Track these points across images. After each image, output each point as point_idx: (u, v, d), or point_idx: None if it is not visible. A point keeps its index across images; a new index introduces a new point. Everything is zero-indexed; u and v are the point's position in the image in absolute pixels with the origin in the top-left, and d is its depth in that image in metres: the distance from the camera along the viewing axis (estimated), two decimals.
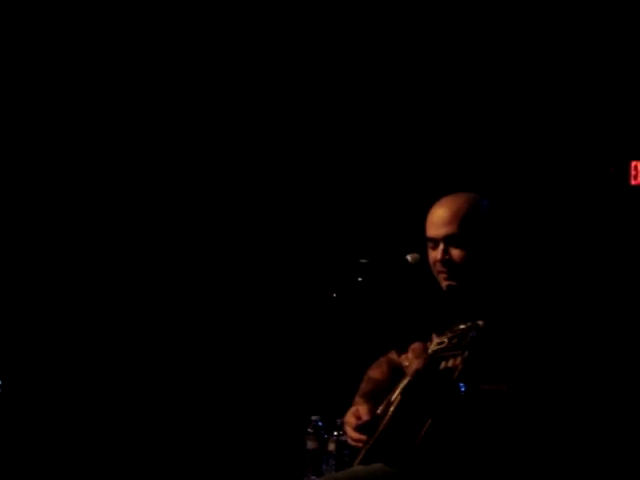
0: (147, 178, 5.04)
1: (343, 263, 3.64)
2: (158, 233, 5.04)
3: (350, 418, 3.32)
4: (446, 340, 2.94)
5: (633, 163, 4.73)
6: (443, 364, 2.93)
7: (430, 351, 2.98)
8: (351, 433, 3.30)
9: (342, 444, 3.70)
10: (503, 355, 3.06)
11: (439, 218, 3.23)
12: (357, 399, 3.42)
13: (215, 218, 5.05)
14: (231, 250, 5.06)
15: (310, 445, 3.94)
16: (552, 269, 4.48)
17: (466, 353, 2.88)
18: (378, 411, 3.31)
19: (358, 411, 3.31)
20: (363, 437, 3.25)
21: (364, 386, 3.49)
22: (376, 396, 3.37)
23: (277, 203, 5.06)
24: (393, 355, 3.52)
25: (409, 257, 3.41)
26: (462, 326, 2.91)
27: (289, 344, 4.90)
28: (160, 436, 4.91)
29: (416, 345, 3.05)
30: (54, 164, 5.02)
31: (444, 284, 3.25)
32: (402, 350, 3.38)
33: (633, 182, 4.72)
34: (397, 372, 3.38)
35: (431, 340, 3.07)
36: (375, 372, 3.52)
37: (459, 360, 2.90)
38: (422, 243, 3.33)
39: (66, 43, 4.96)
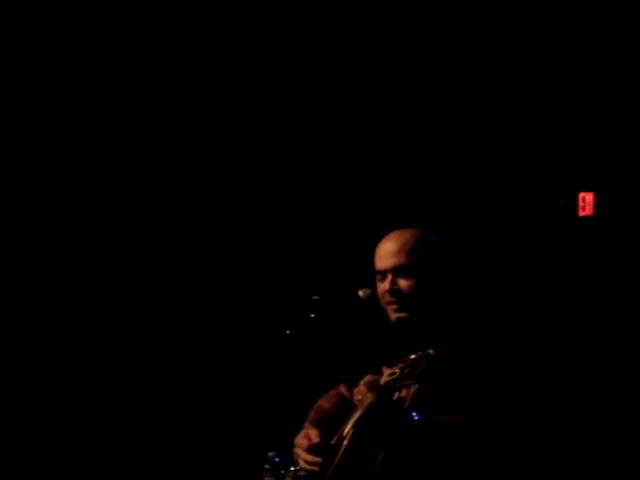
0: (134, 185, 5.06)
1: (295, 300, 3.67)
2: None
3: (301, 440, 3.36)
4: (398, 371, 2.96)
5: (581, 194, 4.80)
6: (396, 394, 2.97)
7: (382, 382, 3.01)
8: (304, 455, 3.34)
9: (299, 479, 3.71)
10: (456, 385, 3.10)
11: (387, 251, 3.30)
12: (306, 424, 3.46)
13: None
14: (189, 285, 5.08)
15: None
16: (500, 299, 4.52)
17: (418, 383, 2.92)
18: (332, 442, 3.34)
19: (308, 434, 3.35)
20: (316, 459, 3.29)
21: (313, 414, 3.52)
22: (324, 424, 3.41)
23: (232, 237, 5.08)
24: (342, 389, 3.55)
25: (360, 292, 3.44)
26: (413, 356, 2.94)
27: (243, 380, 4.91)
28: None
29: (368, 377, 3.08)
30: (54, 164, 5.03)
31: (393, 316, 3.30)
32: (352, 384, 3.41)
33: (581, 213, 4.79)
34: (346, 405, 3.40)
35: (382, 372, 3.10)
36: (324, 402, 3.56)
37: (412, 390, 2.93)
38: (373, 278, 3.38)
39: (66, 43, 4.98)
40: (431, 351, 2.93)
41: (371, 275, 3.38)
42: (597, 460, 4.46)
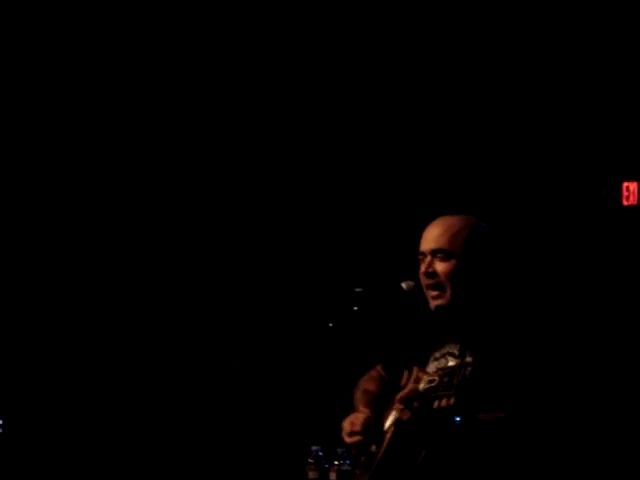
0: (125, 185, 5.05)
1: (338, 292, 3.64)
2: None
3: (346, 424, 3.37)
4: (437, 378, 2.95)
5: (625, 184, 4.74)
6: (436, 403, 2.94)
7: (421, 389, 2.99)
8: (345, 438, 3.37)
9: (343, 473, 3.69)
10: (497, 383, 3.07)
11: (430, 233, 3.30)
12: (357, 406, 3.46)
13: (207, 242, 5.06)
14: (227, 278, 5.07)
15: (311, 475, 3.92)
16: (545, 292, 4.48)
17: (456, 395, 2.89)
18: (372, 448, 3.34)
19: (357, 418, 3.35)
20: (355, 439, 3.30)
21: (360, 396, 3.52)
22: (374, 405, 3.40)
23: (271, 231, 5.07)
24: (380, 369, 3.56)
25: (404, 284, 3.41)
26: (451, 363, 2.92)
27: (288, 374, 4.89)
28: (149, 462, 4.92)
29: (407, 387, 3.08)
30: (54, 164, 5.05)
31: (431, 303, 3.28)
32: (389, 366, 3.41)
33: (625, 203, 4.73)
34: (385, 386, 3.44)
35: (414, 374, 3.08)
36: (368, 385, 3.56)
37: (452, 400, 2.90)
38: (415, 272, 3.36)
39: (66, 43, 4.99)
40: (469, 359, 2.89)
41: (415, 266, 3.36)
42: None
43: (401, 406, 3.00)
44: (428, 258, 3.26)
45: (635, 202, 4.73)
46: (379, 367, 3.58)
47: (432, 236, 3.27)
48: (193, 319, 5.04)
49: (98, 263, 5.05)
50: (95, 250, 5.06)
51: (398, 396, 3.03)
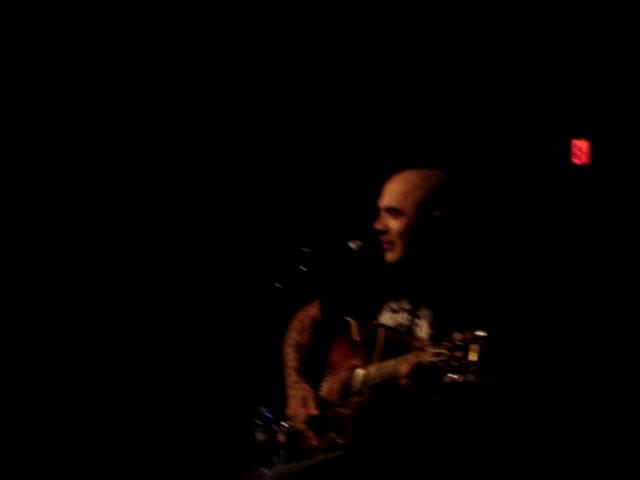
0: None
1: (286, 252, 3.60)
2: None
3: (299, 410, 3.30)
4: (445, 351, 2.85)
5: (575, 142, 4.73)
6: (448, 377, 2.85)
7: (427, 362, 2.90)
8: (302, 426, 3.29)
9: (292, 435, 3.67)
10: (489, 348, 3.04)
11: (387, 189, 3.29)
12: (291, 375, 3.41)
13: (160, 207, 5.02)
14: (175, 241, 5.03)
15: (259, 437, 3.92)
16: (496, 250, 4.47)
17: (478, 373, 2.82)
18: (323, 391, 3.30)
19: (306, 402, 3.29)
20: (311, 432, 3.25)
21: (292, 357, 3.47)
22: (308, 367, 3.38)
23: (220, 192, 5.02)
24: (314, 310, 3.52)
25: (352, 244, 3.38)
26: (459, 336, 2.86)
27: (235, 336, 4.86)
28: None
29: (409, 354, 3.01)
30: (54, 164, 4.98)
31: (385, 257, 3.27)
32: (327, 305, 3.41)
33: (576, 161, 4.73)
34: (320, 330, 3.42)
35: (424, 349, 2.98)
36: (300, 337, 3.51)
37: (470, 377, 2.81)
38: (366, 231, 3.34)
39: (66, 43, 4.93)
40: (481, 333, 2.84)
41: (364, 226, 3.34)
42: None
43: (408, 381, 2.95)
44: (382, 214, 3.27)
45: (586, 161, 4.72)
46: (313, 307, 3.54)
47: (388, 192, 3.27)
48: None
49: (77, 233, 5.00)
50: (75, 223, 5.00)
51: (404, 371, 2.98)
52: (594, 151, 4.72)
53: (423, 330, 3.18)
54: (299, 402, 3.31)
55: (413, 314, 3.23)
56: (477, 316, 3.04)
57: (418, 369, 2.92)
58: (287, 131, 5.00)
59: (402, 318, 3.25)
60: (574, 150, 4.73)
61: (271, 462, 3.83)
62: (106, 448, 4.89)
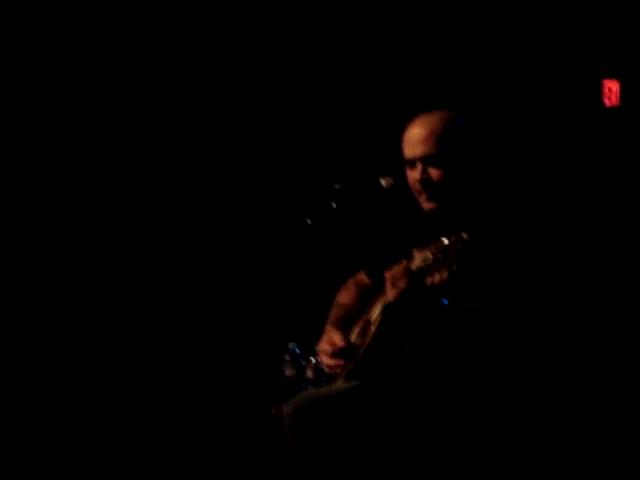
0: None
1: (316, 189, 3.60)
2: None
3: (324, 346, 3.32)
4: (430, 256, 2.91)
5: (606, 83, 4.69)
6: (429, 279, 2.91)
7: (415, 267, 2.96)
8: (327, 360, 3.31)
9: (320, 371, 3.70)
10: (486, 274, 3.05)
11: (416, 138, 3.21)
12: (328, 327, 3.43)
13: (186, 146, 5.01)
14: (201, 177, 5.04)
15: (288, 372, 3.94)
16: (529, 189, 4.45)
17: (454, 266, 2.87)
18: (353, 335, 3.31)
19: (332, 338, 3.30)
20: (340, 362, 3.26)
21: (334, 313, 3.49)
22: (346, 322, 3.38)
23: (248, 130, 5.02)
24: (362, 276, 3.51)
25: (383, 181, 3.37)
26: (446, 241, 2.89)
27: (264, 272, 4.88)
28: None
29: (398, 265, 3.04)
30: (54, 164, 4.99)
31: (425, 206, 3.24)
32: (374, 271, 3.38)
33: (607, 103, 4.69)
34: (366, 293, 3.39)
35: (412, 256, 3.04)
36: (343, 297, 3.52)
37: (445, 274, 2.88)
38: (397, 166, 3.31)
39: (66, 43, 4.92)
40: (465, 235, 2.86)
41: (395, 162, 3.31)
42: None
43: (398, 273, 2.98)
44: (420, 166, 3.19)
45: (616, 103, 4.68)
46: (361, 273, 3.54)
47: (419, 141, 3.19)
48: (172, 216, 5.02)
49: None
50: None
51: (388, 274, 3.01)
52: (624, 93, 4.68)
53: None
54: (327, 339, 3.34)
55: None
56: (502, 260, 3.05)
57: (403, 274, 2.95)
58: (314, 68, 4.98)
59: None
60: (605, 90, 4.69)
61: None
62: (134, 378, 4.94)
